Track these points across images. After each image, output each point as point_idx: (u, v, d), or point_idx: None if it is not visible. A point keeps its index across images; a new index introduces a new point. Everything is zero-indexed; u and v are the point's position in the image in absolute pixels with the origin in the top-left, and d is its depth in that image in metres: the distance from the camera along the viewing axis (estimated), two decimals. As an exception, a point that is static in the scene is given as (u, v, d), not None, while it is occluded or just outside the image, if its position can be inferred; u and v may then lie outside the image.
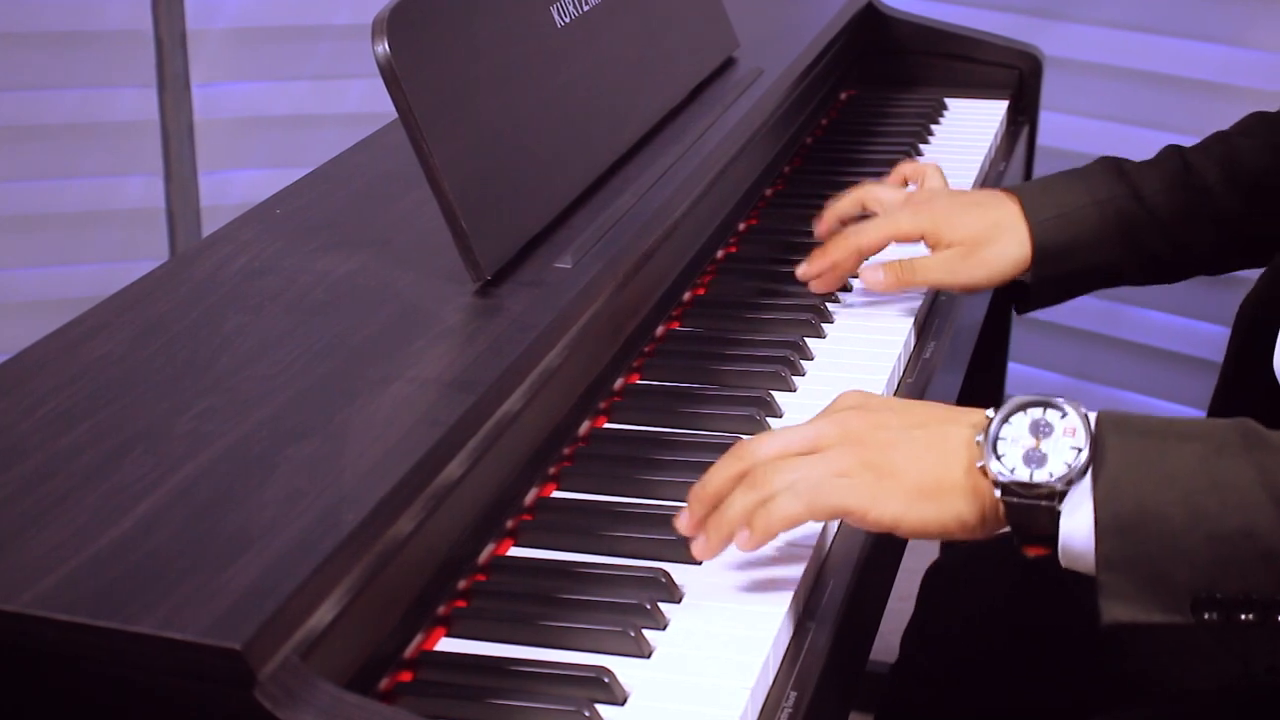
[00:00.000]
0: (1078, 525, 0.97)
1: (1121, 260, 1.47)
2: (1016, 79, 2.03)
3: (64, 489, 0.94)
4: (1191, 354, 2.52)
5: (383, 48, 1.16)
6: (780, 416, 1.27)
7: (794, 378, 1.32)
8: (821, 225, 1.50)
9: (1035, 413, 1.00)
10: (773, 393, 1.29)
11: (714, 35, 1.69)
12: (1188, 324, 2.52)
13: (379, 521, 0.93)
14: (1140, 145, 1.68)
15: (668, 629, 1.02)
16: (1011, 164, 1.92)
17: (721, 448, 1.19)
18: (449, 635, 1.01)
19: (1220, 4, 2.39)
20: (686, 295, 1.46)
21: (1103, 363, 2.63)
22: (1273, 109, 1.50)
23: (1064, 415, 0.99)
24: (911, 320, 1.43)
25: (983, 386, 2.09)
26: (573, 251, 1.25)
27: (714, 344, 1.37)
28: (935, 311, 1.50)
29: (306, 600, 0.86)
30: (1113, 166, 1.48)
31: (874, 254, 1.45)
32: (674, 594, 1.04)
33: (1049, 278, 1.45)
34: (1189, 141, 1.51)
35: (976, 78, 2.04)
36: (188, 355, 1.10)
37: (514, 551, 1.10)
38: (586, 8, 1.43)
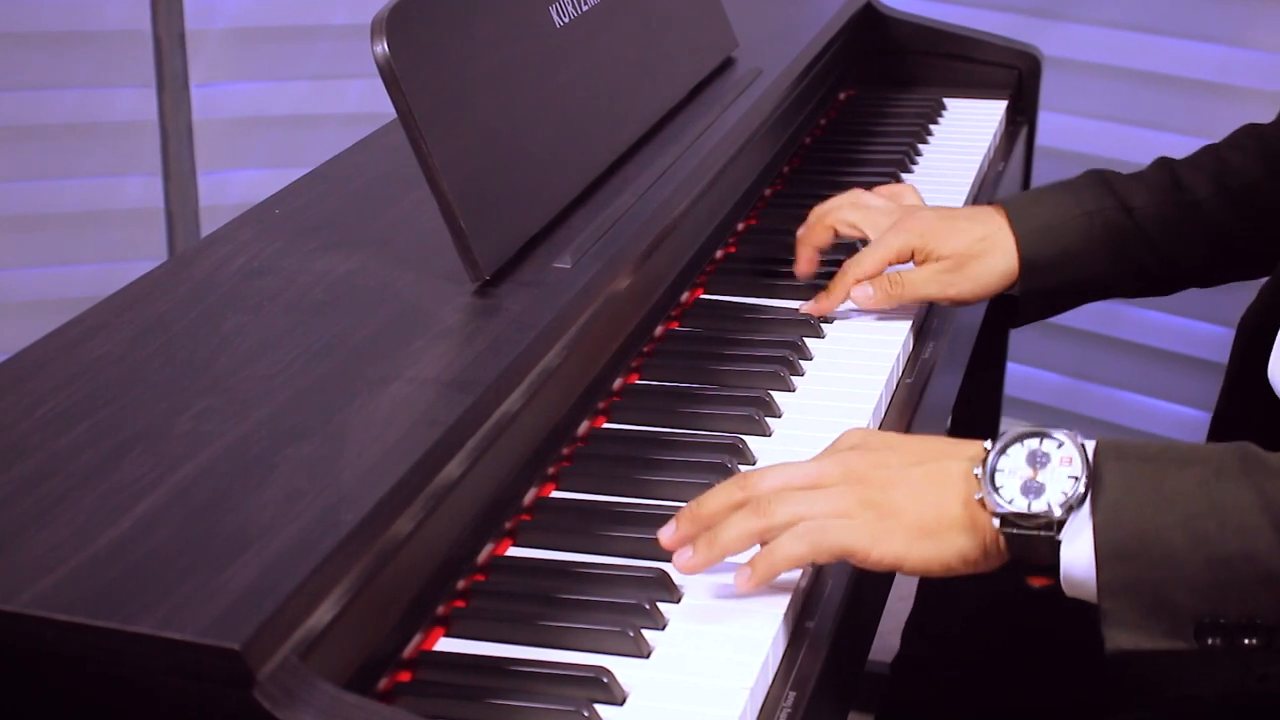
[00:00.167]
0: (1078, 553, 0.97)
1: (1110, 273, 1.46)
2: (1015, 79, 2.03)
3: (63, 489, 0.94)
4: (1191, 354, 2.52)
5: (382, 48, 1.16)
6: (779, 416, 1.27)
7: (793, 378, 1.32)
8: (803, 265, 1.48)
9: (1032, 443, 1.00)
10: (772, 393, 1.29)
11: (713, 35, 1.69)
12: (1187, 324, 2.51)
13: (378, 521, 0.93)
14: (1140, 145, 1.68)
15: (667, 629, 1.02)
16: (1010, 164, 1.92)
17: (721, 448, 1.20)
18: (448, 635, 1.01)
19: (1220, 4, 2.39)
20: (685, 295, 1.46)
21: (1102, 363, 2.63)
22: (1271, 110, 1.50)
23: (1060, 445, 1.00)
24: (910, 320, 1.43)
25: (982, 386, 2.09)
26: (572, 251, 1.25)
27: (713, 344, 1.37)
28: (934, 312, 1.50)
29: (305, 600, 0.86)
30: (1101, 179, 1.47)
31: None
32: (673, 594, 1.05)
33: (1037, 290, 1.45)
34: (1188, 142, 1.51)
35: (975, 78, 2.04)
36: (187, 355, 1.10)
37: (513, 551, 1.10)
38: (585, 8, 1.43)
